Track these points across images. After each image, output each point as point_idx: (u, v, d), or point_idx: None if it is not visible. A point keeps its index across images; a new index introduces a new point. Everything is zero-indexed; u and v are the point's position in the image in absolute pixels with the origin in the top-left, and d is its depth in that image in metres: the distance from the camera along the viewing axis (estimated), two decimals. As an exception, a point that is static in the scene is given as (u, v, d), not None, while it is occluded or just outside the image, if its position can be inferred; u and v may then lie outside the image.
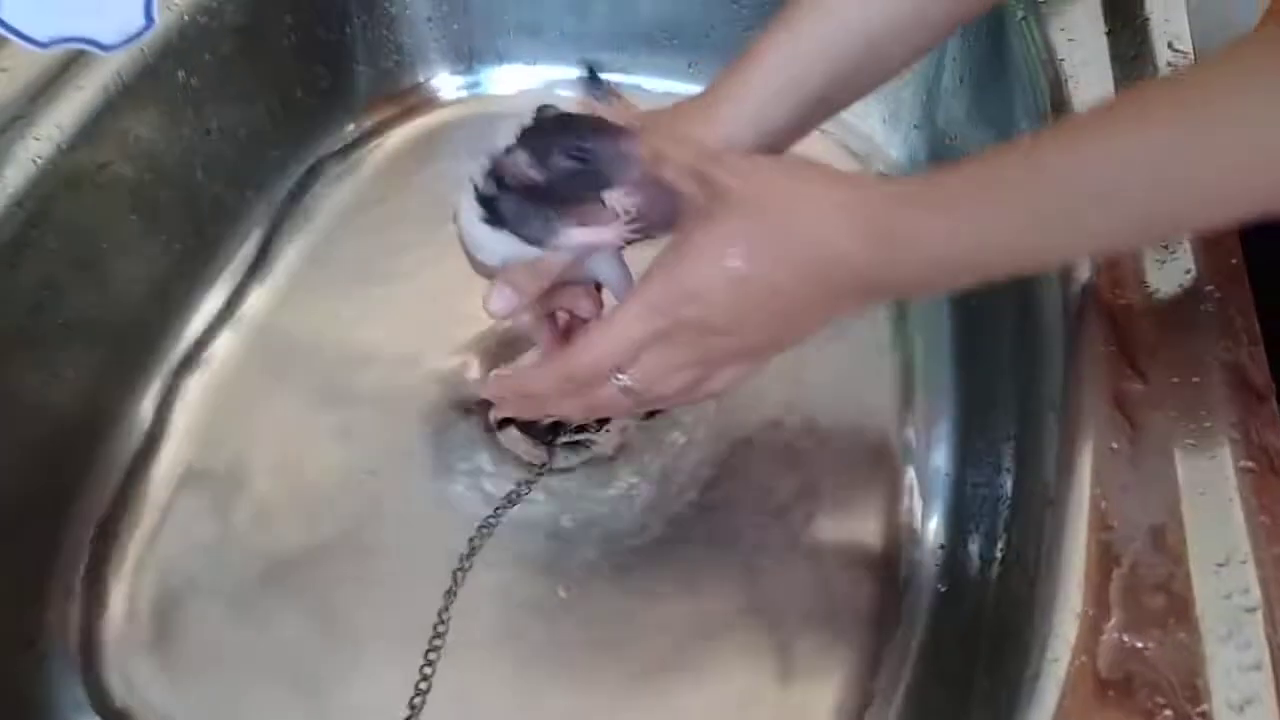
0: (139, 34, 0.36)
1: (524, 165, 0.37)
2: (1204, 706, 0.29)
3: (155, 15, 0.36)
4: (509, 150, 0.37)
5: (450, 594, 0.47)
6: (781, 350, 0.38)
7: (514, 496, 0.50)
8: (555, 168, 0.37)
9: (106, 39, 0.36)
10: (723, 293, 0.35)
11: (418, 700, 0.45)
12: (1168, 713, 0.29)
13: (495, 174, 0.38)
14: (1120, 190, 0.30)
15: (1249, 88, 0.29)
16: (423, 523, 0.50)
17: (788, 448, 0.52)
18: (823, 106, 0.41)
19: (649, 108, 0.69)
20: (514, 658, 0.46)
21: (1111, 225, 0.31)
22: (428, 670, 0.45)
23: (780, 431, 0.53)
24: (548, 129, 0.38)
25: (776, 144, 0.41)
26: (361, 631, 0.46)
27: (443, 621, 0.46)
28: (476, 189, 0.38)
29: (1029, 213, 0.32)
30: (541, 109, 0.39)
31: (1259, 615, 0.30)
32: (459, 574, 0.47)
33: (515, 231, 0.38)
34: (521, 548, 0.49)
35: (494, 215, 0.38)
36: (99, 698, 0.45)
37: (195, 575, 0.48)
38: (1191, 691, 0.29)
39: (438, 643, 0.46)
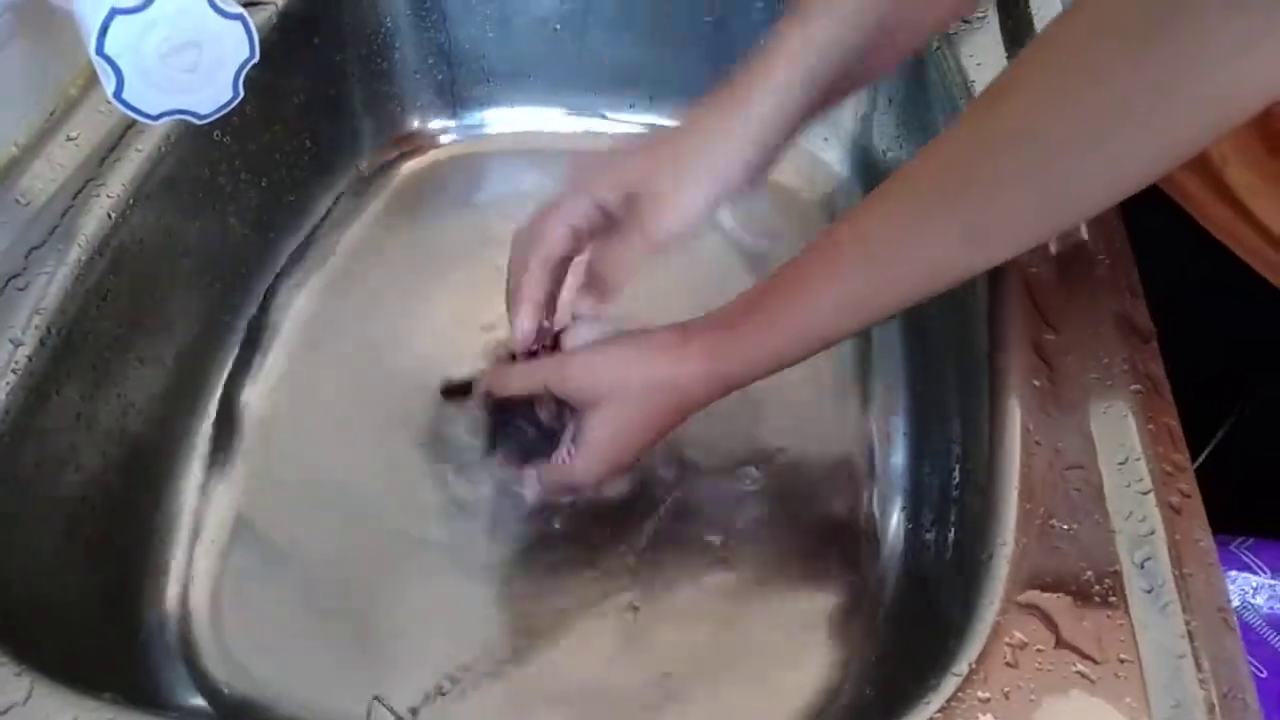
0: (228, 104, 0.44)
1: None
2: (1116, 566, 0.38)
3: (240, 89, 0.43)
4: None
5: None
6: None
7: None
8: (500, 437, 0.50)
9: (203, 109, 0.43)
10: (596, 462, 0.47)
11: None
12: (1089, 573, 0.38)
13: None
14: (832, 320, 0.44)
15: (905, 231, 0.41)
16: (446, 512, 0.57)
17: (759, 441, 0.59)
18: (831, 96, 0.49)
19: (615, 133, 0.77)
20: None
21: (841, 329, 0.45)
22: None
23: (753, 429, 0.60)
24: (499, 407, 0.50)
25: (790, 129, 0.49)
26: (411, 604, 0.53)
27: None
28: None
29: (783, 339, 0.45)
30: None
31: (1151, 496, 0.39)
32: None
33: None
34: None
35: None
36: (198, 676, 0.51)
37: (265, 570, 0.55)
38: (1106, 555, 0.38)
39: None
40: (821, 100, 0.49)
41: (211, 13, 0.41)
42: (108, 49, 0.39)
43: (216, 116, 0.44)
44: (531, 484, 0.51)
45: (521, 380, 0.49)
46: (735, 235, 0.57)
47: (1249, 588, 0.48)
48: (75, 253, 0.50)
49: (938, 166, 0.41)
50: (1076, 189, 0.38)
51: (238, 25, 0.42)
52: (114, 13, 0.39)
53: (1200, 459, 0.43)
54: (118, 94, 0.41)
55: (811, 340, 0.45)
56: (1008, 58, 0.61)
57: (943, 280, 0.42)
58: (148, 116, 0.42)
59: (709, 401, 0.47)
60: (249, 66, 0.43)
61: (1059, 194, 0.38)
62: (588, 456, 0.47)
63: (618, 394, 0.46)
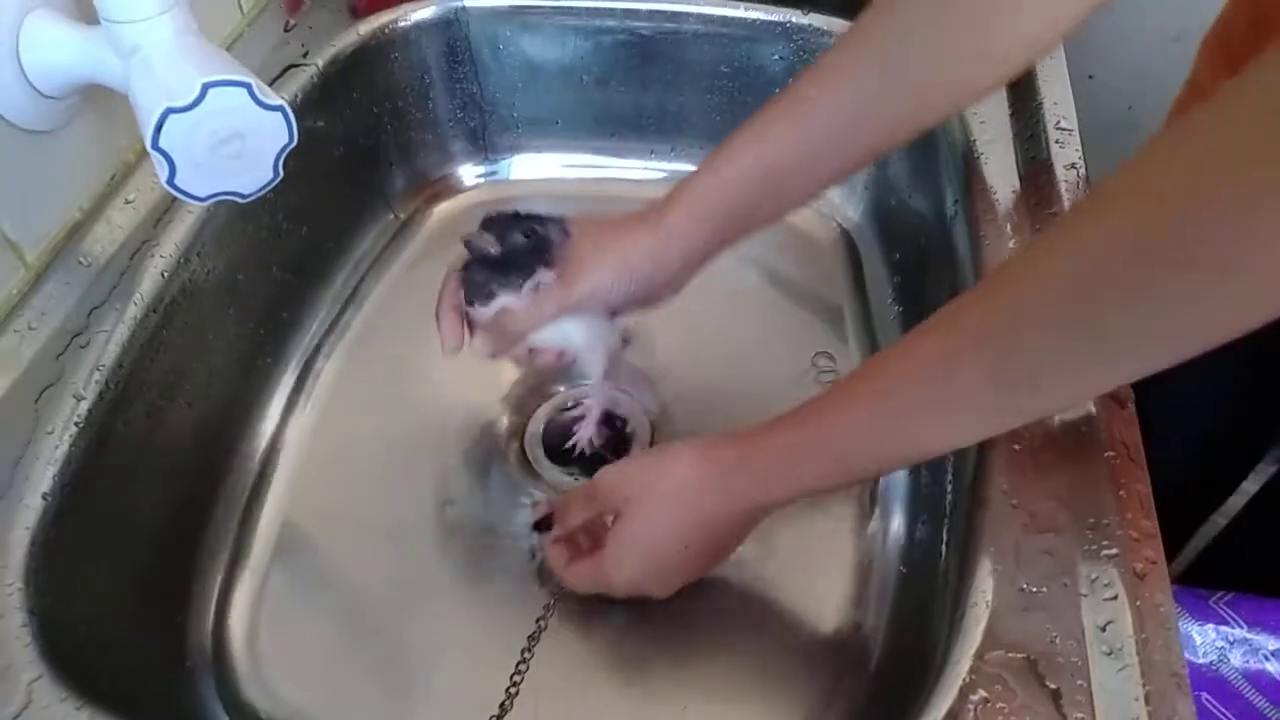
0: (269, 184, 0.48)
1: (487, 243, 0.51)
2: (1080, 628, 0.40)
3: (280, 170, 0.48)
4: (477, 232, 0.52)
5: (548, 608, 0.55)
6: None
7: None
8: (510, 243, 0.51)
9: (246, 190, 0.47)
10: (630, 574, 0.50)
11: (517, 677, 0.53)
12: (1055, 635, 0.40)
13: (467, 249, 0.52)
14: (848, 450, 0.44)
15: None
16: (482, 548, 0.61)
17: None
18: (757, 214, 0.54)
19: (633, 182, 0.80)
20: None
21: (859, 467, 0.45)
22: (522, 667, 0.52)
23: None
24: (504, 219, 0.53)
25: (708, 249, 0.54)
26: (453, 636, 0.56)
27: (536, 636, 0.55)
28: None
29: (806, 462, 0.45)
30: (496, 212, 0.54)
31: (1118, 561, 0.42)
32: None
33: (468, 298, 0.53)
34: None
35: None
36: (237, 704, 0.55)
37: (304, 602, 0.59)
38: (1071, 618, 0.40)
39: (527, 655, 0.53)
40: (744, 227, 0.54)
41: (255, 106, 0.45)
42: (162, 143, 0.44)
43: (258, 195, 0.48)
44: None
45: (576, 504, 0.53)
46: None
47: (1226, 642, 0.50)
48: (132, 310, 0.54)
49: (981, 303, 0.39)
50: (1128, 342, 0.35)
51: (278, 115, 0.46)
52: (168, 112, 0.43)
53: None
54: (170, 181, 0.45)
55: (830, 470, 0.45)
56: (1010, 115, 0.64)
57: (972, 428, 0.42)
58: (197, 199, 0.46)
59: (735, 522, 0.49)
60: (288, 150, 0.47)
61: (1106, 344, 0.35)
62: (616, 553, 0.50)
63: (641, 498, 0.49)
